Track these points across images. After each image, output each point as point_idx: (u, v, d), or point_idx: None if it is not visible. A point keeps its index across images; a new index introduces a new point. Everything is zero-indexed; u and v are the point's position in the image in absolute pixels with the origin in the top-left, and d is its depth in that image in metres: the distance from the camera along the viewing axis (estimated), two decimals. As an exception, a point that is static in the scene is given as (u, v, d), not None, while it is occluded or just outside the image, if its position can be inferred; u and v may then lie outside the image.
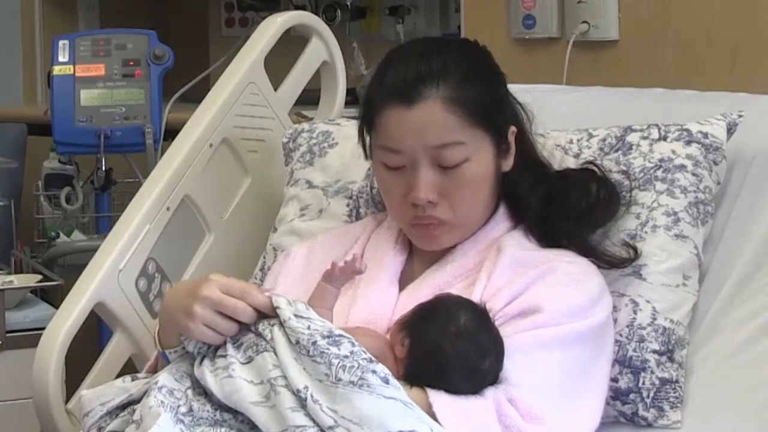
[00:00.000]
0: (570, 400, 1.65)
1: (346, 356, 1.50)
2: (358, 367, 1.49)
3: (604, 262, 1.78)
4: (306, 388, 1.49)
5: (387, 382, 1.50)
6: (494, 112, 1.75)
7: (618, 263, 1.79)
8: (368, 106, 1.78)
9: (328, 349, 1.51)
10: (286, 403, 1.50)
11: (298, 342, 1.53)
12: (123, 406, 1.64)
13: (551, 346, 1.65)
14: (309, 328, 1.54)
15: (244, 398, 1.53)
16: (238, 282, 1.62)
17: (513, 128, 1.80)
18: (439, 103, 1.69)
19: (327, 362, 1.50)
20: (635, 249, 1.81)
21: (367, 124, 1.79)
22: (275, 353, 1.54)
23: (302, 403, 1.49)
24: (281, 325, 1.56)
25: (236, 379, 1.55)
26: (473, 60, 1.77)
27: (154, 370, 1.76)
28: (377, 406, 1.47)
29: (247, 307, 1.59)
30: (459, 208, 1.74)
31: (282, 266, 1.91)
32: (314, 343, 1.51)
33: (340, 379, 1.48)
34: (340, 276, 1.66)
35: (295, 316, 1.56)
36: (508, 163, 1.80)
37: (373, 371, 1.49)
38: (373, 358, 1.52)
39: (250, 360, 1.56)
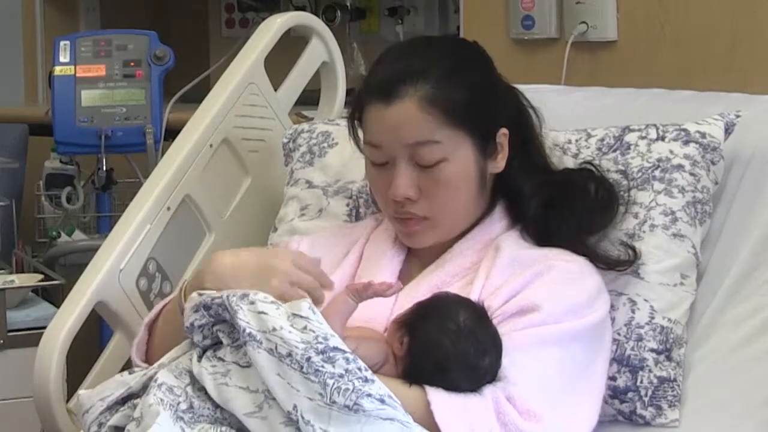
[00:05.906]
0: (568, 398, 1.65)
1: (341, 375, 1.48)
2: (353, 390, 1.47)
3: (602, 263, 1.79)
4: (295, 408, 1.48)
5: (383, 402, 1.48)
6: (476, 113, 1.74)
7: (615, 265, 1.80)
8: (356, 103, 1.81)
9: (322, 367, 1.48)
10: (279, 417, 1.50)
11: (290, 354, 1.50)
12: (123, 401, 1.63)
13: (549, 345, 1.65)
14: (305, 329, 1.51)
15: (237, 409, 1.53)
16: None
17: (504, 130, 1.78)
18: (415, 101, 1.70)
19: (322, 382, 1.47)
20: (634, 250, 1.81)
21: (357, 120, 1.81)
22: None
23: (293, 421, 1.49)
24: (259, 342, 1.52)
25: (231, 388, 1.54)
26: (458, 59, 1.77)
27: (150, 330, 1.79)
28: (374, 429, 1.47)
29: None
30: (437, 207, 1.75)
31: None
32: (308, 359, 1.49)
33: (334, 402, 1.47)
34: (369, 295, 1.63)
35: (293, 315, 1.54)
36: (498, 165, 1.79)
37: (368, 395, 1.47)
38: (368, 376, 1.49)
39: (249, 364, 1.54)
